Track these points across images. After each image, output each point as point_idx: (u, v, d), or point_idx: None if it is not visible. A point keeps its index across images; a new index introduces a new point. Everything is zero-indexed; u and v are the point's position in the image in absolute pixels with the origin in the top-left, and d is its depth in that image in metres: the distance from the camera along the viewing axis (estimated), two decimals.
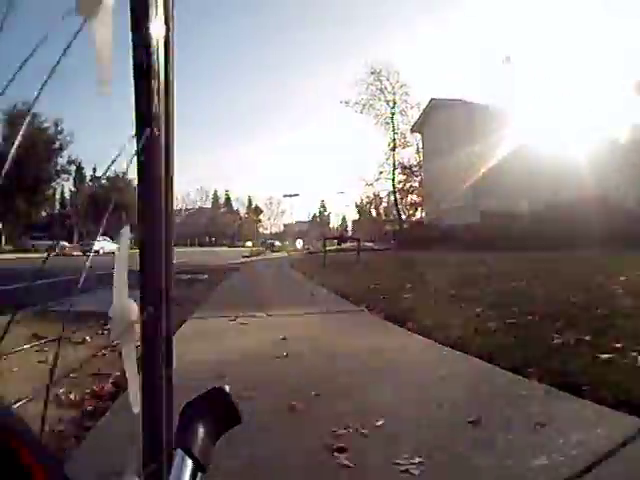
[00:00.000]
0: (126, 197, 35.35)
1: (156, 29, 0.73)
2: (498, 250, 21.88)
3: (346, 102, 59.88)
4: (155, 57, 0.73)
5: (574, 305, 6.63)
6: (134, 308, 0.77)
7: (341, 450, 2.78)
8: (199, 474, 0.83)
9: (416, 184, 60.13)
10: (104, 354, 5.26)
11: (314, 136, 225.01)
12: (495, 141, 38.03)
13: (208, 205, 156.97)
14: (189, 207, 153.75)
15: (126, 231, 0.81)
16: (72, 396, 3.90)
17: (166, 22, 0.75)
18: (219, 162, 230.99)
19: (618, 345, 4.44)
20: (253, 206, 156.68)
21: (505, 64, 58.51)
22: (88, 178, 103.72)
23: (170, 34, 0.75)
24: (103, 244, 38.43)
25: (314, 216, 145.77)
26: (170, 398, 0.91)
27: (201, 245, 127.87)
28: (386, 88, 58.38)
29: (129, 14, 0.72)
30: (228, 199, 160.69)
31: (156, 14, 0.72)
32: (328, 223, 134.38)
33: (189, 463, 0.82)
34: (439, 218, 42.79)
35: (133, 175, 0.77)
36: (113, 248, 0.87)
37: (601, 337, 4.80)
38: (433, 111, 48.96)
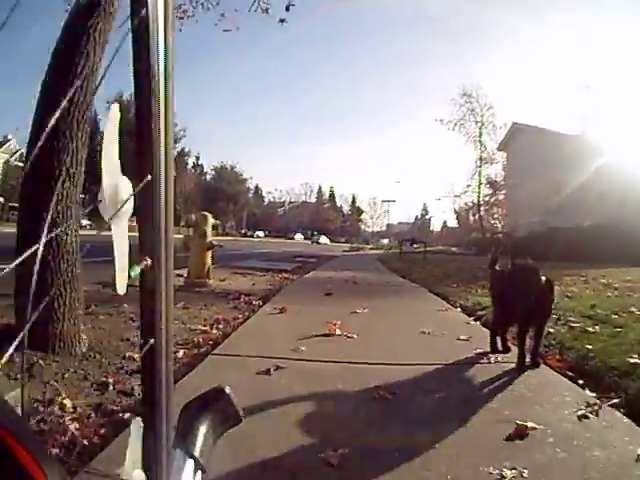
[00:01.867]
0: None
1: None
2: (559, 260, 22.63)
3: (440, 120, 62.50)
4: (155, 54, 0.73)
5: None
6: (126, 183, 0.75)
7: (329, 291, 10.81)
8: (199, 474, 0.94)
9: (501, 197, 62.51)
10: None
11: (420, 140, 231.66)
12: (567, 165, 42.17)
13: (312, 200, 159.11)
14: (293, 200, 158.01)
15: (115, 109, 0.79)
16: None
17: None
18: (327, 158, 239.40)
19: (453, 284, 12.50)
20: (356, 205, 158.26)
21: (585, 92, 62.46)
22: None
23: (168, 22, 0.73)
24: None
25: (416, 218, 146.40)
26: (170, 397, 0.90)
27: (306, 238, 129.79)
28: (475, 110, 61.29)
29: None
30: (332, 195, 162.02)
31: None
32: (429, 226, 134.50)
33: (189, 463, 0.93)
34: (516, 230, 44.28)
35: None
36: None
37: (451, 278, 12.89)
38: (515, 133, 53.44)
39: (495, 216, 68.98)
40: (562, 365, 5.15)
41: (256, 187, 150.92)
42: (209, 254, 11.12)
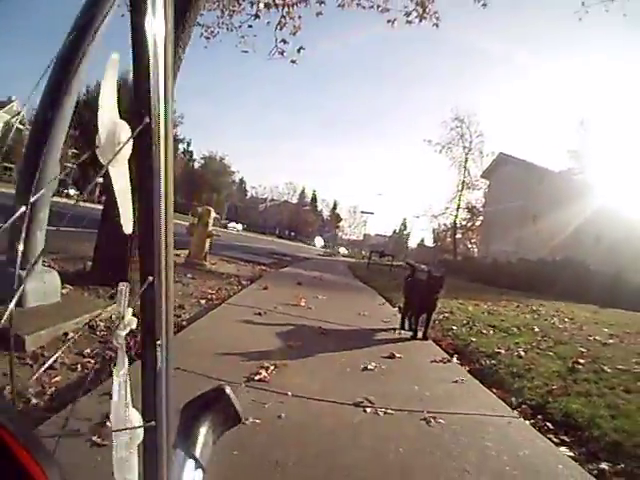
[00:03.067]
0: None
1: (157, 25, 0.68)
2: (511, 288, 25.32)
3: (428, 141, 65.31)
4: (153, 47, 0.68)
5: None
6: (124, 127, 0.71)
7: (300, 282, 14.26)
8: (200, 474, 0.96)
9: (478, 223, 64.35)
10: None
11: (404, 155, 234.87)
12: (547, 200, 44.63)
13: (294, 201, 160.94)
14: (275, 198, 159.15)
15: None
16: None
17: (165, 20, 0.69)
18: (315, 161, 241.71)
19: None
20: (336, 211, 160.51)
21: (577, 129, 63.26)
22: None
23: (168, 26, 0.69)
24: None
25: (394, 232, 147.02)
26: (170, 397, 0.90)
27: (280, 237, 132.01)
28: (464, 135, 64.02)
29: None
30: (314, 198, 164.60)
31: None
32: (405, 242, 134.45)
33: (189, 463, 0.95)
34: (486, 257, 46.52)
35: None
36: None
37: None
38: (500, 163, 55.04)
39: (472, 240, 71.03)
40: (448, 345, 8.16)
41: (241, 180, 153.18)
42: (208, 241, 14.64)
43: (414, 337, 8.11)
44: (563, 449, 4.35)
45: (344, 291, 14.94)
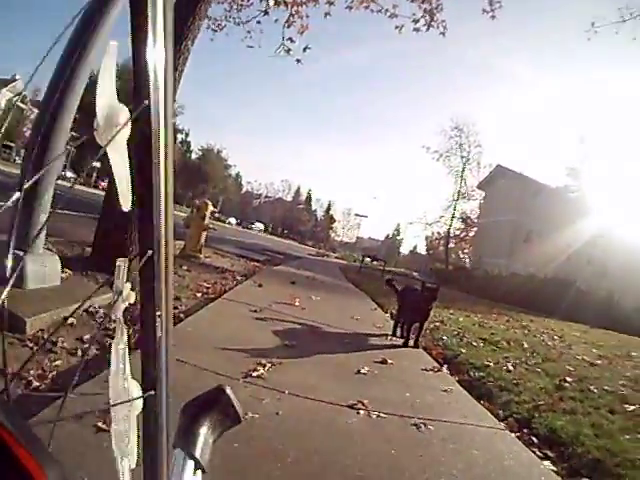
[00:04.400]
0: None
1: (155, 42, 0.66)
2: (501, 301, 25.84)
3: (427, 148, 65.22)
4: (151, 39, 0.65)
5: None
6: (122, 108, 0.69)
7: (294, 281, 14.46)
8: (199, 474, 0.96)
9: (472, 234, 65.08)
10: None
11: (401, 161, 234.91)
12: (542, 215, 45.62)
13: (289, 199, 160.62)
14: (269, 195, 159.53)
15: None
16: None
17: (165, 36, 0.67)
18: (313, 160, 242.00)
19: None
20: (331, 212, 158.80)
21: (578, 146, 65.55)
22: None
23: (168, 24, 0.66)
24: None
25: (387, 237, 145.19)
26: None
27: (273, 234, 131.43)
28: (463, 145, 63.87)
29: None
30: (309, 198, 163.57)
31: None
32: (398, 247, 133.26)
33: (189, 463, 0.95)
34: (478, 268, 45.78)
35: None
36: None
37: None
38: (497, 175, 55.38)
39: (465, 251, 71.94)
40: (438, 354, 8.35)
41: (237, 174, 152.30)
42: (204, 234, 14.77)
43: (405, 345, 8.32)
44: (547, 463, 4.52)
45: (337, 293, 15.16)
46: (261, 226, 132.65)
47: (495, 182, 55.95)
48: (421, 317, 8.42)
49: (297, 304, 9.98)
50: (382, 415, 4.62)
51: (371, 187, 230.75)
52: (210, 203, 15.05)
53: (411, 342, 8.37)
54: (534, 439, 5.11)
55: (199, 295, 8.78)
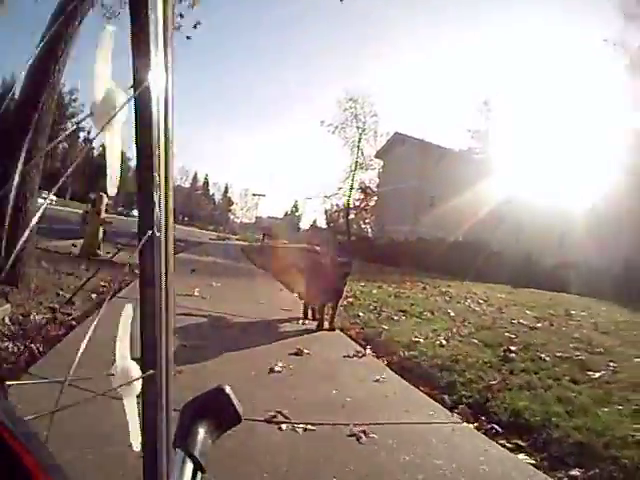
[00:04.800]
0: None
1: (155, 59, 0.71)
2: (411, 268, 25.56)
3: (322, 122, 63.72)
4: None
5: None
6: (119, 91, 0.71)
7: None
8: (199, 474, 0.93)
9: (372, 203, 65.15)
10: None
11: (296, 136, 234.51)
12: (445, 179, 45.23)
13: (187, 185, 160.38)
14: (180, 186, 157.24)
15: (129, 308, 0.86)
16: None
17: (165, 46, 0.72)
18: (206, 144, 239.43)
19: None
20: (228, 195, 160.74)
21: (481, 108, 62.46)
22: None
23: (169, 34, 0.72)
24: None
25: (286, 214, 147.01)
26: (170, 397, 0.91)
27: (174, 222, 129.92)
28: (358, 115, 63.22)
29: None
30: (206, 183, 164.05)
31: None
32: (298, 223, 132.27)
33: (189, 463, 0.92)
34: (381, 237, 46.40)
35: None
36: None
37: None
38: (396, 143, 54.97)
39: (366, 221, 71.41)
40: (358, 334, 7.44)
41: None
42: (101, 229, 13.54)
43: (320, 327, 7.36)
44: (522, 456, 3.77)
45: (239, 276, 14.29)
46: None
47: (394, 150, 55.51)
48: (334, 296, 7.48)
49: (197, 294, 8.91)
50: (310, 427, 3.66)
51: (268, 166, 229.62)
52: (105, 195, 13.66)
53: (326, 324, 7.41)
54: (497, 427, 4.27)
55: (94, 296, 7.83)
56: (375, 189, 64.06)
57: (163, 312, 0.85)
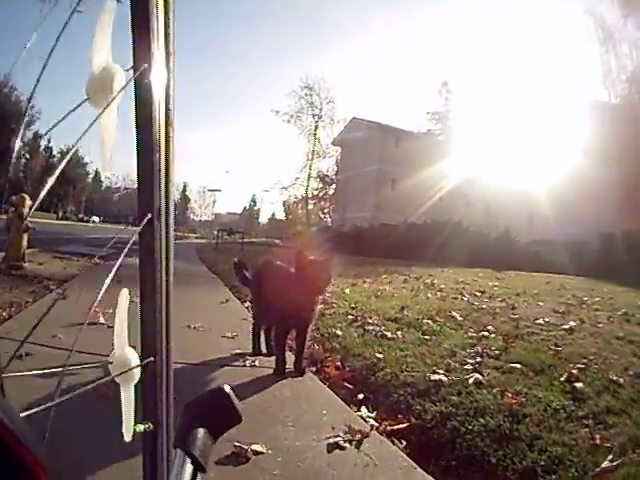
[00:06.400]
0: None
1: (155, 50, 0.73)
2: (379, 256, 24.03)
3: (276, 111, 64.80)
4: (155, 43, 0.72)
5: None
6: (117, 69, 0.73)
7: None
8: (199, 474, 0.92)
9: (331, 192, 64.58)
10: None
11: (251, 130, 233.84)
12: (406, 162, 44.09)
13: None
14: (128, 187, 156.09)
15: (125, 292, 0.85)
16: None
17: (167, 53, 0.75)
18: None
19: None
20: (186, 193, 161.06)
21: (441, 90, 64.68)
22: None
23: (171, 47, 0.76)
24: None
25: (244, 209, 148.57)
26: (170, 397, 0.94)
27: (134, 225, 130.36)
28: (314, 102, 63.59)
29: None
30: None
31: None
32: (257, 217, 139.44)
33: (189, 463, 0.90)
34: (343, 225, 45.41)
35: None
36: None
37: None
38: (353, 129, 53.52)
39: (325, 210, 70.34)
40: (341, 375, 4.51)
41: (96, 171, 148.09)
42: (25, 236, 10.91)
43: (279, 372, 4.27)
44: None
45: (180, 283, 10.80)
46: (97, 219, 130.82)
47: (352, 135, 54.05)
48: (302, 318, 4.35)
49: (102, 320, 5.12)
50: None
51: (224, 162, 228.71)
52: (28, 197, 10.87)
53: (290, 362, 4.39)
54: None
55: None
56: (334, 177, 63.50)
57: (164, 292, 0.88)
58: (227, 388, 0.99)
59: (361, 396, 4.00)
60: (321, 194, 67.33)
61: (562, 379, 4.22)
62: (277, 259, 5.15)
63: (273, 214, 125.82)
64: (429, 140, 51.93)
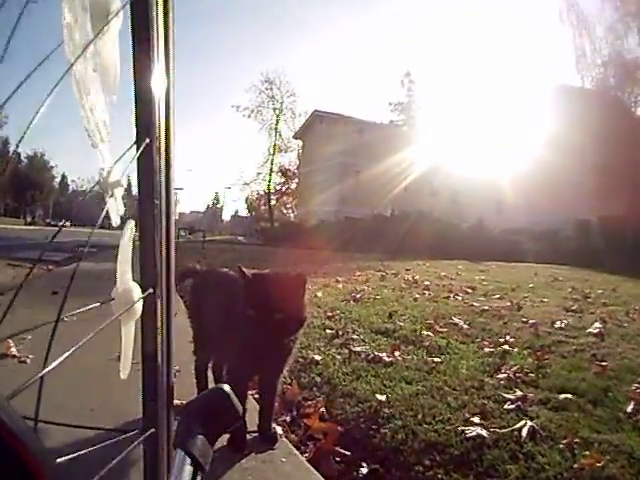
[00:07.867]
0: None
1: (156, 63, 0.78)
2: (347, 250, 23.17)
3: (237, 107, 63.14)
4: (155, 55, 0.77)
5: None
6: (136, 289, 0.81)
7: None
8: (199, 474, 0.92)
9: (293, 186, 64.06)
10: None
11: (211, 127, 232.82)
12: (370, 154, 42.70)
13: None
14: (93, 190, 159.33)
15: (131, 223, 0.87)
16: None
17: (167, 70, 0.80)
18: (124, 144, 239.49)
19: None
20: None
21: (403, 80, 63.66)
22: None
23: (171, 61, 0.81)
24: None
25: (207, 207, 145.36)
26: (170, 398, 0.96)
27: (102, 227, 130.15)
28: (275, 96, 62.43)
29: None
30: (129, 184, 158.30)
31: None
32: (220, 215, 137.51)
33: (189, 463, 0.90)
34: (308, 220, 45.15)
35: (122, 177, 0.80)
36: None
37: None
38: (315, 122, 52.72)
39: (288, 205, 70.28)
40: (328, 433, 2.93)
41: (62, 175, 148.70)
42: None
43: (238, 446, 2.53)
44: None
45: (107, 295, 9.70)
46: (68, 223, 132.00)
47: (313, 128, 53.65)
48: (269, 360, 2.63)
49: (14, 351, 3.76)
50: None
51: (186, 161, 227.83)
52: None
53: (254, 427, 2.74)
54: None
55: None
56: (296, 171, 63.36)
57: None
58: (226, 388, 0.99)
59: (365, 470, 2.56)
60: (284, 189, 66.81)
61: (628, 410, 3.12)
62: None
63: (236, 211, 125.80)
64: (393, 131, 50.66)
